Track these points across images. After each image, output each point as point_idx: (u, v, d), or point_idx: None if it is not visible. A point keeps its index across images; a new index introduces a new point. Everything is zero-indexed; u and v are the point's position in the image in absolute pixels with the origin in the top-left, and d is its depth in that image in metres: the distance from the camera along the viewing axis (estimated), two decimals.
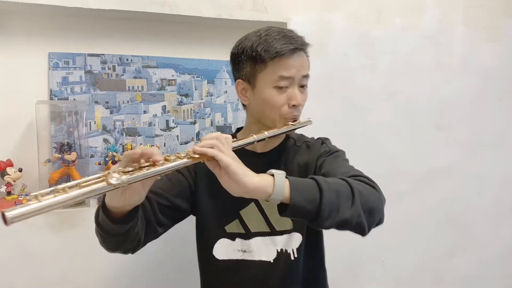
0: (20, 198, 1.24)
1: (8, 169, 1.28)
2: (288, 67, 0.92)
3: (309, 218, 0.76)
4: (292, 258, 0.99)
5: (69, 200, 0.61)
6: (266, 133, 0.92)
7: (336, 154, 0.99)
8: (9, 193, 1.28)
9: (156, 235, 0.95)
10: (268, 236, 1.00)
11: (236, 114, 1.60)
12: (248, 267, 0.99)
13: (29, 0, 1.22)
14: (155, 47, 1.49)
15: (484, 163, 1.92)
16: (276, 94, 0.93)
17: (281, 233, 1.00)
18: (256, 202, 1.01)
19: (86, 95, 1.41)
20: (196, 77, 1.54)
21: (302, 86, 0.97)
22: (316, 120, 1.06)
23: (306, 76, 0.97)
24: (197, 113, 1.55)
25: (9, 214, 0.56)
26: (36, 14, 1.34)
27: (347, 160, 0.98)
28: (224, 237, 1.01)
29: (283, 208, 0.76)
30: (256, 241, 1.00)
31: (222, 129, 1.59)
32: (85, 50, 1.41)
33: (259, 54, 0.92)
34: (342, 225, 0.78)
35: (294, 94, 0.94)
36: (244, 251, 1.00)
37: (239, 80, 0.99)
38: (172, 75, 1.51)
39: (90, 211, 1.32)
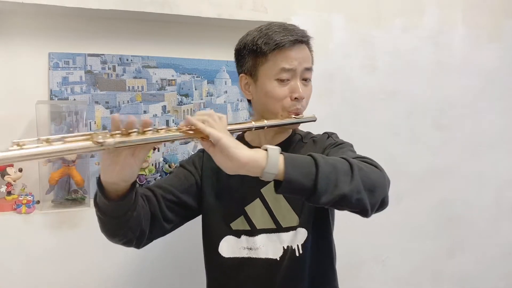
0: (20, 198, 1.24)
1: (8, 169, 1.28)
2: (289, 59, 0.93)
3: (305, 194, 0.73)
4: (297, 254, 0.97)
5: (52, 153, 0.57)
6: (266, 122, 0.91)
7: (342, 145, 0.97)
8: (9, 193, 1.28)
9: (163, 231, 0.94)
10: (273, 233, 0.98)
11: (236, 114, 1.60)
12: (254, 265, 0.98)
13: (29, 0, 1.22)
14: (155, 47, 1.49)
15: (484, 163, 1.92)
16: (278, 86, 0.93)
17: (287, 229, 0.97)
18: (262, 198, 0.99)
19: (86, 95, 1.41)
20: (196, 77, 1.54)
21: (305, 80, 0.97)
22: (317, 120, 1.06)
23: (308, 69, 0.97)
24: None
25: None
26: (36, 14, 1.34)
27: (354, 152, 0.96)
28: (229, 235, 0.99)
29: (278, 185, 0.74)
30: (261, 238, 0.98)
31: None
32: (85, 50, 1.40)
33: (260, 47, 0.93)
34: (340, 202, 0.74)
35: (296, 87, 0.94)
36: (250, 249, 0.98)
37: (242, 74, 1.00)
38: (172, 75, 1.51)
39: (90, 211, 1.32)
